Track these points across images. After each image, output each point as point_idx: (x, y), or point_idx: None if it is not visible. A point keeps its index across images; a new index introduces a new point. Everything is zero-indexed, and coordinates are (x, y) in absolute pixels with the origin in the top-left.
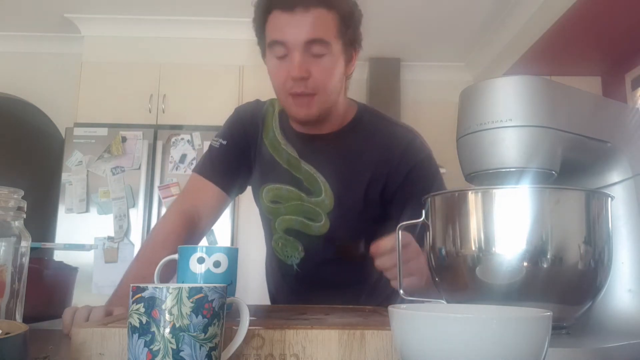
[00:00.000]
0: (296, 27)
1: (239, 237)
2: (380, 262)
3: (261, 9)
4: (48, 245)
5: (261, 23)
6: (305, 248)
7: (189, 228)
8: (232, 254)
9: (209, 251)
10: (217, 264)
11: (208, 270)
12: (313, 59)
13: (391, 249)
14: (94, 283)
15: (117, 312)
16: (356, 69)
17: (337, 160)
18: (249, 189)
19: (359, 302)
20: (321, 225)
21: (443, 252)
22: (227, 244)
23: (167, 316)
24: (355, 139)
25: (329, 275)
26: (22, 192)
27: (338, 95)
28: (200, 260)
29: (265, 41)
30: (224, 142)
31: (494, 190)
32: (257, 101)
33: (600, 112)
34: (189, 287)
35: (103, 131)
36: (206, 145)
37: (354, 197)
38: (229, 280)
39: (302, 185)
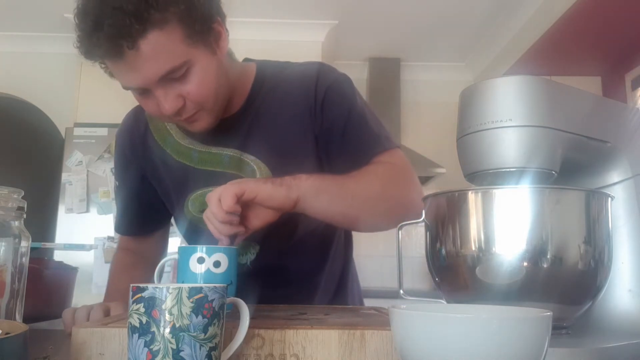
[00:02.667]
0: (137, 71)
1: None
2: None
3: (90, 59)
4: (48, 245)
5: (102, 65)
6: (258, 242)
7: (139, 262)
8: (232, 254)
9: (209, 251)
10: (217, 264)
11: (208, 270)
12: (178, 83)
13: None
14: (94, 283)
15: (115, 308)
16: (356, 69)
17: (258, 130)
18: None
19: (314, 297)
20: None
21: (443, 252)
22: None
23: (167, 316)
24: (265, 98)
25: (283, 267)
26: (22, 192)
27: (226, 86)
28: (200, 260)
29: None
30: (117, 184)
31: (494, 190)
32: (133, 111)
33: (600, 112)
34: (189, 287)
35: (103, 131)
36: None
37: (290, 158)
38: (229, 280)
39: (228, 178)
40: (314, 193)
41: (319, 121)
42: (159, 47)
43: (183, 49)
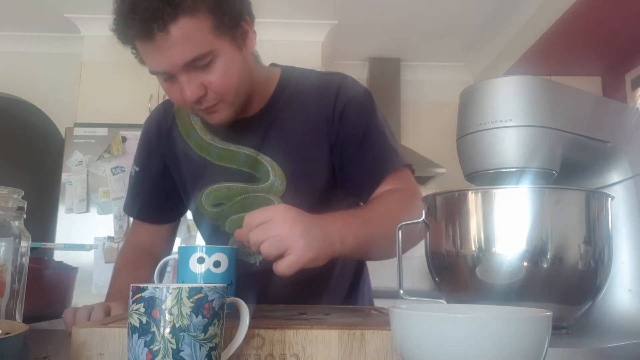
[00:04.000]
0: (165, 55)
1: None
2: (251, 237)
3: (123, 41)
4: (48, 245)
5: (131, 47)
6: None
7: (145, 259)
8: (232, 254)
9: (209, 251)
10: (217, 264)
11: (208, 271)
12: (202, 72)
13: (258, 222)
14: (94, 283)
15: (116, 308)
16: (356, 69)
17: (276, 133)
18: None
19: (321, 298)
20: None
21: (443, 252)
22: None
23: (167, 316)
24: (286, 103)
25: None
26: (22, 192)
27: (248, 83)
28: (200, 260)
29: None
30: (137, 169)
31: (494, 190)
32: (163, 103)
33: (600, 112)
34: (189, 287)
35: (103, 131)
36: None
37: (305, 164)
38: (229, 280)
39: (243, 175)
40: (351, 250)
41: (335, 131)
42: (188, 33)
43: (210, 39)
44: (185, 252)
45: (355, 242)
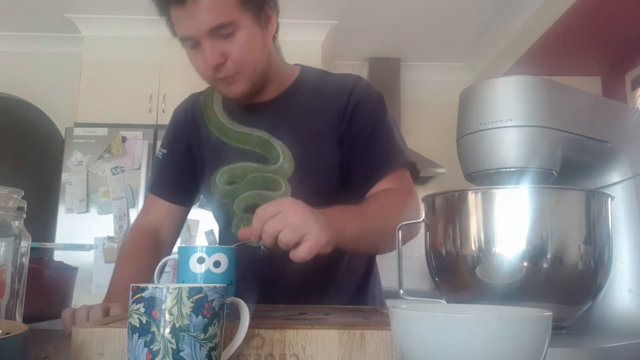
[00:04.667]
0: (193, 19)
1: None
2: (267, 228)
3: (159, 8)
4: (48, 245)
5: (167, 19)
6: None
7: (151, 244)
8: (232, 254)
9: (209, 251)
10: (217, 264)
11: (208, 271)
12: (224, 41)
13: (271, 214)
14: (94, 283)
15: (114, 308)
16: (356, 69)
17: (289, 119)
18: None
19: (327, 291)
20: (282, 193)
21: (443, 252)
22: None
23: (167, 316)
24: (302, 96)
25: None
26: (22, 192)
27: (266, 63)
28: (200, 260)
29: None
30: (165, 151)
31: (494, 190)
32: (192, 95)
33: (600, 112)
34: (189, 287)
35: (103, 131)
36: None
37: (314, 151)
38: (229, 280)
39: (256, 156)
40: (350, 240)
41: (345, 125)
42: (216, 2)
43: (235, 11)
44: (185, 252)
45: (352, 233)
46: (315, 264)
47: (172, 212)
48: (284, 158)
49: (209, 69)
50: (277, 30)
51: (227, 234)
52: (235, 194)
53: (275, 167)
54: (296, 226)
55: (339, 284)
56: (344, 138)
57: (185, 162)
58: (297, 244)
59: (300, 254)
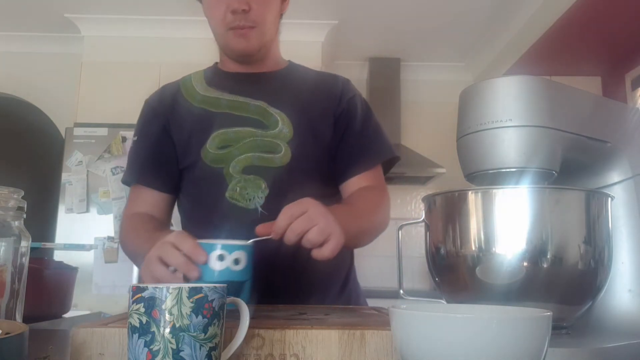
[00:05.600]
0: None
1: None
2: (295, 226)
3: None
4: (48, 245)
5: None
6: (269, 184)
7: (153, 222)
8: (250, 250)
9: (230, 249)
10: (236, 262)
11: (227, 269)
12: None
13: (298, 214)
14: (94, 283)
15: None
16: (356, 69)
17: (288, 92)
18: None
19: (318, 286)
20: (282, 156)
21: (443, 252)
22: None
23: (167, 316)
24: (297, 77)
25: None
26: (22, 192)
27: (274, 32)
28: (221, 258)
29: None
30: (136, 138)
31: (494, 190)
32: (164, 85)
33: (600, 112)
34: (188, 287)
35: (103, 131)
36: None
37: (311, 123)
38: (247, 277)
39: (251, 122)
40: (350, 241)
41: (340, 109)
42: None
43: None
44: (205, 249)
45: (353, 233)
46: (305, 261)
47: (157, 201)
48: (282, 124)
49: (229, 15)
50: (286, 9)
51: (217, 205)
52: (229, 157)
53: (275, 132)
54: (322, 227)
55: (327, 280)
56: (339, 120)
57: (159, 145)
58: (321, 244)
59: (326, 253)
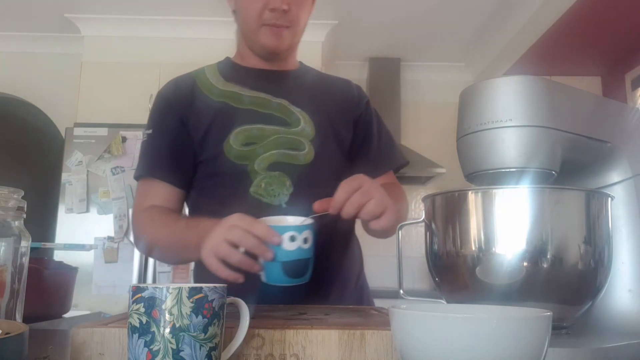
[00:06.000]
0: None
1: None
2: (354, 200)
3: None
4: (48, 245)
5: None
6: (294, 181)
7: (170, 212)
8: (313, 229)
9: (299, 229)
10: (305, 241)
11: (299, 248)
12: None
13: (355, 188)
14: (94, 283)
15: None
16: (356, 69)
17: (306, 92)
18: None
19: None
20: (306, 153)
21: (443, 252)
22: None
23: (167, 316)
24: (312, 77)
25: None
26: (22, 192)
27: (301, 34)
28: (292, 239)
29: None
30: (150, 131)
31: (494, 190)
32: (175, 78)
33: (600, 112)
34: (188, 287)
35: (103, 131)
36: None
37: (331, 124)
38: (314, 253)
39: (274, 119)
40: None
41: (359, 112)
42: None
43: None
44: (278, 231)
45: (395, 218)
46: (329, 253)
47: (172, 197)
48: (304, 122)
49: (267, 12)
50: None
51: (238, 200)
52: (254, 155)
53: (297, 130)
54: (379, 200)
55: (340, 285)
56: (357, 125)
57: (175, 138)
58: (377, 215)
59: (384, 224)
